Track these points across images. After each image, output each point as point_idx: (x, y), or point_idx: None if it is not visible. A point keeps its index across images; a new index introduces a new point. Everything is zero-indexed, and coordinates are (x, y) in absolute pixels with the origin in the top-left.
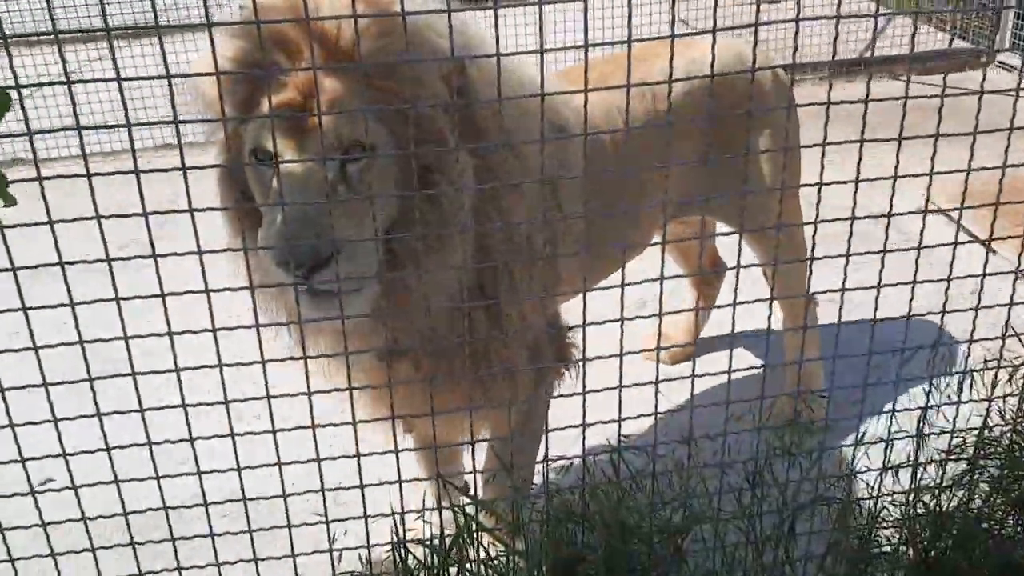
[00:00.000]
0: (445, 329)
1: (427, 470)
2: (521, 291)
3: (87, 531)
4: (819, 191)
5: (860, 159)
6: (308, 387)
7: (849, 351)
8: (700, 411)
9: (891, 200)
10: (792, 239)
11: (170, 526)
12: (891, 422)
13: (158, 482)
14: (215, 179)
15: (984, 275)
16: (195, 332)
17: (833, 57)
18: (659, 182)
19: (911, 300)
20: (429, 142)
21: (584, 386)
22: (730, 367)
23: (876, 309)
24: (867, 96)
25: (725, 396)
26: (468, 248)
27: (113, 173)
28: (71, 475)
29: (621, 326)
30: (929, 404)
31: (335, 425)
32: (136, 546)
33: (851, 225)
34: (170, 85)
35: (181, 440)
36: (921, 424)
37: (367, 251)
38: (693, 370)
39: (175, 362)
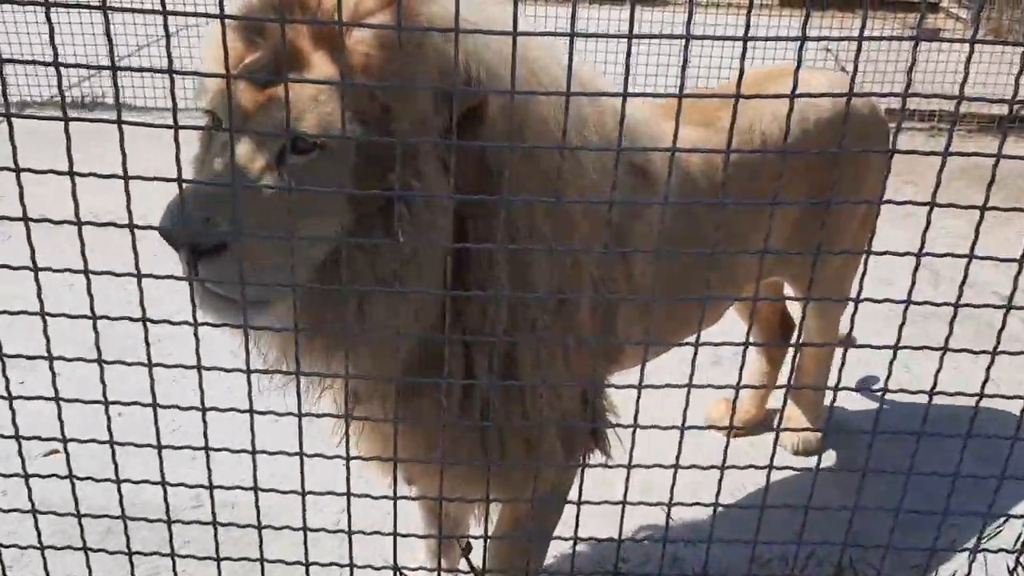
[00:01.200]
0: (413, 374)
1: (428, 527)
2: (556, 370)
3: None
4: (968, 263)
5: None
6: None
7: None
8: (719, 545)
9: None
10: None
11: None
12: None
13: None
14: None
15: None
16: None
17: (1010, 112)
18: (760, 232)
19: (1008, 458)
20: (398, 163)
21: (580, 493)
22: (764, 501)
23: (955, 476)
24: None
25: (752, 531)
26: (431, 298)
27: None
28: None
29: (633, 434)
30: None
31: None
32: None
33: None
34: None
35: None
36: None
37: (275, 256)
38: (717, 496)
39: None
